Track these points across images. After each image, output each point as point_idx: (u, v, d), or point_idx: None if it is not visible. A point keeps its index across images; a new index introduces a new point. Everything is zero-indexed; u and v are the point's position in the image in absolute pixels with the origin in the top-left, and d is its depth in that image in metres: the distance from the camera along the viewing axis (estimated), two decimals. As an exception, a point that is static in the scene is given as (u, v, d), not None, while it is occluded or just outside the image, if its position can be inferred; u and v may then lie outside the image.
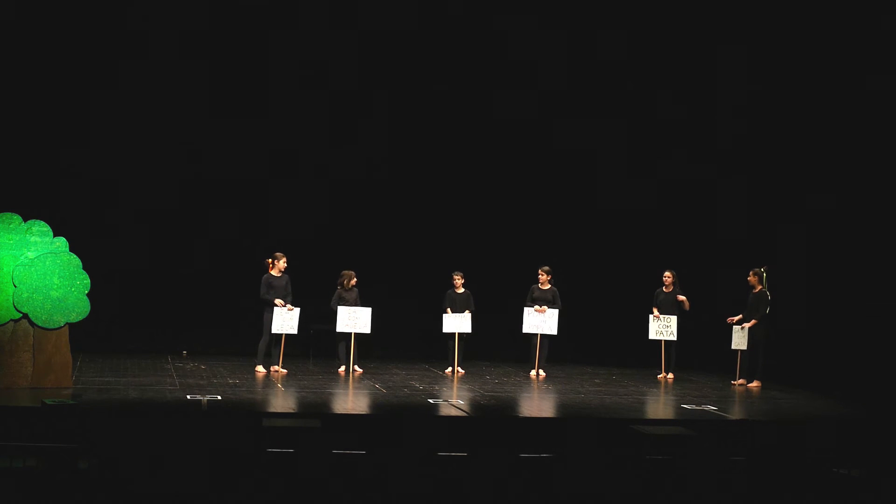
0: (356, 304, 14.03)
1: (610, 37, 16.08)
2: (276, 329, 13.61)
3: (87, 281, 12.00)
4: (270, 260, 13.85)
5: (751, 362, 13.88)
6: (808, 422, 11.18)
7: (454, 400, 11.83)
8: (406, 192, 16.60)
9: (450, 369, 14.38)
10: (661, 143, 16.62)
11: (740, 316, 13.91)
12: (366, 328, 13.95)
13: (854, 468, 9.07)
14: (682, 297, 14.38)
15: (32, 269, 11.81)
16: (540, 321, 14.24)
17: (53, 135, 15.29)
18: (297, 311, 13.66)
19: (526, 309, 14.35)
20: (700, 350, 14.88)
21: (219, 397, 11.35)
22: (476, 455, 8.55)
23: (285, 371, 13.76)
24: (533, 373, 14.34)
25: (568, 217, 16.80)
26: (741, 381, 13.95)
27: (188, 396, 11.39)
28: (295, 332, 13.74)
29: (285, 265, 13.78)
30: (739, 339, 13.86)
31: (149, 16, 15.34)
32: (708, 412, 11.46)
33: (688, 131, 16.42)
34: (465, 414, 10.93)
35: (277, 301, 13.53)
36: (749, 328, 13.76)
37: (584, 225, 16.79)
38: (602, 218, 16.75)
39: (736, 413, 11.57)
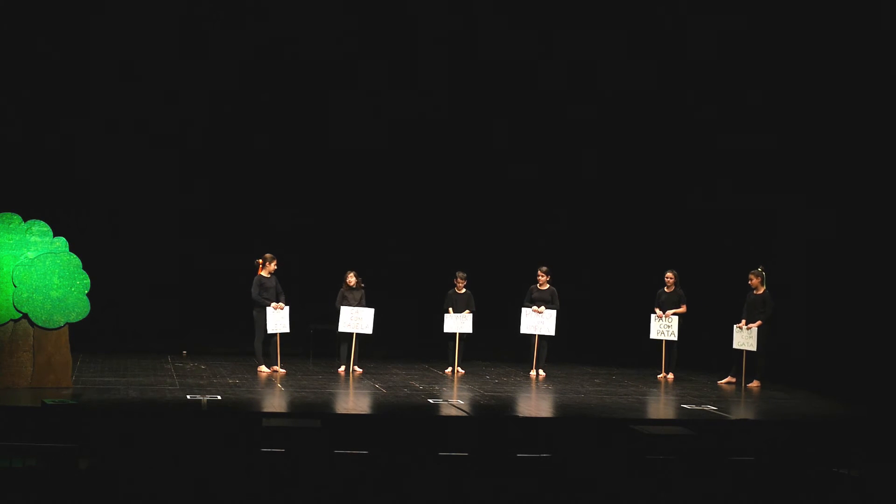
0: (360, 305, 14.02)
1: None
2: (270, 329, 13.64)
3: (87, 281, 12.00)
4: (260, 261, 13.90)
5: (750, 362, 13.86)
6: (807, 422, 11.19)
7: (454, 400, 11.84)
8: (406, 192, 16.58)
9: (450, 369, 14.38)
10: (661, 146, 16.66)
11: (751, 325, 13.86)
12: (367, 329, 13.94)
13: (854, 468, 9.07)
14: (679, 310, 14.37)
15: (32, 269, 11.81)
16: (538, 322, 14.24)
17: (52, 134, 15.30)
18: (287, 309, 13.68)
19: (524, 309, 14.35)
20: (700, 350, 14.88)
21: (219, 397, 11.36)
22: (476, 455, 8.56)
23: (284, 371, 13.77)
24: (532, 373, 14.34)
25: (568, 217, 16.78)
26: (729, 378, 13.95)
27: (188, 396, 11.39)
28: (287, 330, 13.75)
29: (275, 267, 13.83)
30: (744, 339, 13.76)
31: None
32: (708, 412, 11.46)
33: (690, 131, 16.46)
34: (465, 414, 10.93)
35: (274, 304, 13.58)
36: (756, 329, 13.69)
37: (585, 225, 16.78)
38: (602, 218, 16.75)
39: (736, 413, 11.57)
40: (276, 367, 13.75)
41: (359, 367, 14.09)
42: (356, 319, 13.89)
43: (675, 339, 14.39)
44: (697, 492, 8.38)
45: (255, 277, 13.82)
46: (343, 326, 13.94)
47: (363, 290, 14.16)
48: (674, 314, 14.36)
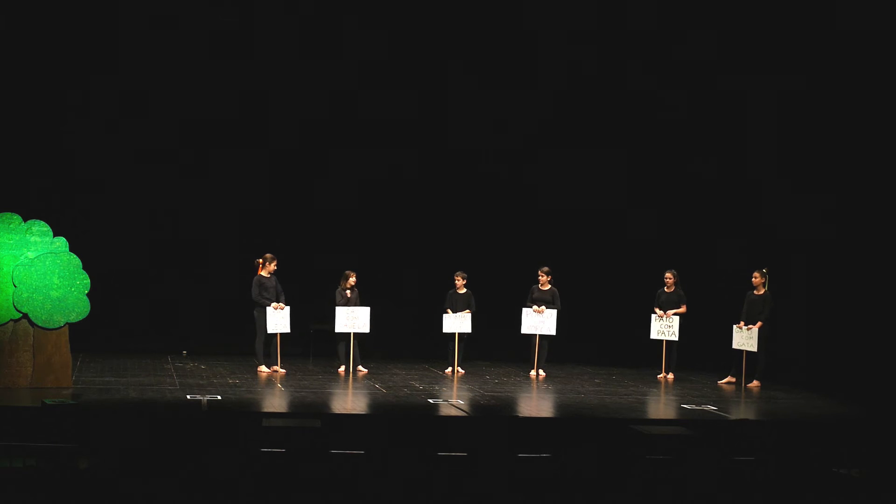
0: (356, 304, 14.02)
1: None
2: (270, 329, 13.65)
3: (87, 281, 12.00)
4: (260, 261, 13.90)
5: (750, 362, 13.85)
6: (807, 422, 11.19)
7: (454, 400, 11.84)
8: (407, 192, 16.59)
9: (450, 369, 14.38)
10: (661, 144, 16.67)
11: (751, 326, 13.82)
12: (364, 328, 13.95)
13: (854, 468, 9.07)
14: (679, 310, 14.35)
15: (32, 269, 11.82)
16: (538, 321, 14.24)
17: (52, 134, 15.31)
18: (287, 309, 13.69)
19: (524, 309, 14.35)
20: (701, 350, 14.87)
21: (219, 397, 11.36)
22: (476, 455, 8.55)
23: (284, 371, 13.77)
24: (532, 373, 14.34)
25: (568, 218, 16.78)
26: (729, 378, 13.94)
27: (188, 396, 11.39)
28: (288, 330, 13.76)
29: (275, 267, 13.83)
30: (744, 339, 13.74)
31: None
32: (708, 412, 11.47)
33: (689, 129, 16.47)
34: (465, 414, 10.93)
35: (275, 304, 13.60)
36: (756, 329, 13.66)
37: (585, 225, 16.77)
38: (602, 218, 16.75)
39: (736, 413, 11.57)
40: (276, 367, 13.75)
41: (362, 366, 14.09)
42: (352, 319, 13.90)
43: (676, 339, 14.38)
44: (698, 492, 8.38)
45: (255, 277, 13.84)
46: (340, 327, 13.94)
47: (357, 291, 14.17)
48: (674, 314, 14.36)
